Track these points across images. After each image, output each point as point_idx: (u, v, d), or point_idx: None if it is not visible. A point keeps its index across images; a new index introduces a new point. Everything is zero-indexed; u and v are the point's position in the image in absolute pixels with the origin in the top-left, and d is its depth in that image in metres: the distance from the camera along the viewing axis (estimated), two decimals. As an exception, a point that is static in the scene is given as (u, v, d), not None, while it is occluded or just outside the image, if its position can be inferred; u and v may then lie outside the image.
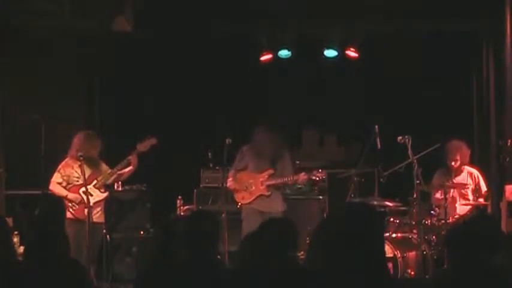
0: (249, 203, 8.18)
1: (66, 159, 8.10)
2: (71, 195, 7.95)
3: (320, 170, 8.36)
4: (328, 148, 11.10)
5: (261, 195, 8.22)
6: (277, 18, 9.49)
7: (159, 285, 4.29)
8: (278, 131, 8.32)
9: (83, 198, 7.87)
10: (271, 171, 8.25)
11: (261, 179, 8.23)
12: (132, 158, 8.10)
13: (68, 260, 4.46)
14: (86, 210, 7.75)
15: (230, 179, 8.24)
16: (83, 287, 4.39)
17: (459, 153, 8.74)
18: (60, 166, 8.09)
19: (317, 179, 8.53)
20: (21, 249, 7.35)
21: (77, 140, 8.06)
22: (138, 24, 9.04)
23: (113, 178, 8.20)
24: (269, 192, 8.23)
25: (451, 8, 9.06)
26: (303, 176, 8.24)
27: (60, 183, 8.01)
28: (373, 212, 3.19)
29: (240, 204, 8.25)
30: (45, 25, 8.96)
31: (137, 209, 9.15)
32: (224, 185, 8.33)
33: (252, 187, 8.21)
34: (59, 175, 8.04)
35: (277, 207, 8.25)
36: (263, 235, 4.07)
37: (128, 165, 8.14)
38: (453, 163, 8.75)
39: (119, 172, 8.15)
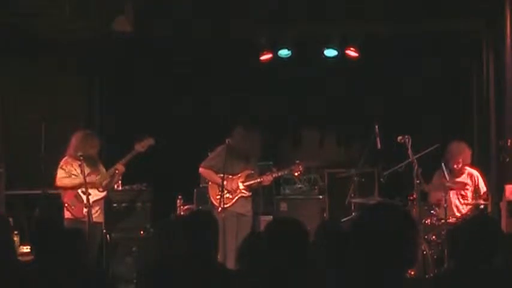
0: (230, 205, 8.09)
1: (66, 158, 8.10)
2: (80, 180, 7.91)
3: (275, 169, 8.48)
4: (328, 148, 11.09)
5: (241, 196, 8.21)
6: (277, 18, 9.49)
7: (160, 285, 4.29)
8: (257, 131, 8.30)
9: (80, 197, 7.87)
10: (249, 172, 8.24)
11: (240, 180, 8.21)
12: (119, 167, 8.11)
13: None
14: (85, 210, 7.76)
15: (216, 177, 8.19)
16: None
17: (461, 156, 8.74)
18: (61, 163, 8.07)
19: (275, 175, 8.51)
20: (22, 249, 7.41)
21: (74, 140, 8.06)
22: (138, 24, 9.04)
23: (106, 182, 8.18)
24: (250, 193, 8.22)
25: (451, 8, 9.06)
26: (269, 177, 8.29)
27: (65, 178, 8.01)
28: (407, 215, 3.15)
29: (220, 208, 7.97)
30: (45, 25, 8.96)
31: (137, 209, 9.14)
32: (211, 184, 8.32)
33: (232, 189, 8.15)
34: (63, 171, 8.02)
35: (250, 208, 8.26)
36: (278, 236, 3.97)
37: (114, 171, 8.13)
38: (455, 165, 8.74)
39: (110, 176, 8.16)
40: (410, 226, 3.01)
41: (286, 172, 8.56)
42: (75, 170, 8.00)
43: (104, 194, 8.16)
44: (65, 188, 7.99)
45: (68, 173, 7.99)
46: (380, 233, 2.96)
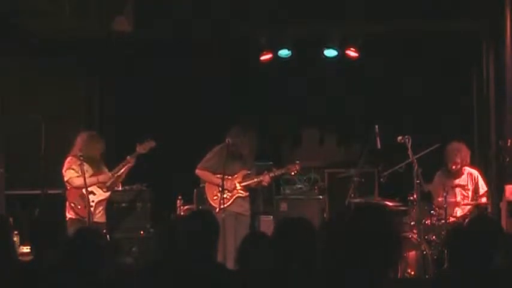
0: (228, 206, 8.06)
1: (69, 158, 8.10)
2: (100, 178, 8.03)
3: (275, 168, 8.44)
4: (328, 148, 11.10)
5: (238, 196, 8.20)
6: (277, 18, 9.49)
7: (160, 285, 4.29)
8: (254, 132, 8.30)
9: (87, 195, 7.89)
10: (246, 172, 8.22)
11: (236, 180, 8.20)
12: (130, 158, 8.13)
13: None
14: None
15: (215, 178, 8.18)
16: None
17: (459, 156, 8.72)
18: (68, 163, 8.06)
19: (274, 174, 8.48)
20: (22, 249, 7.40)
21: (80, 140, 8.09)
22: (138, 24, 9.04)
23: (111, 181, 8.20)
24: (247, 193, 8.21)
25: (451, 8, 9.06)
26: (266, 176, 8.25)
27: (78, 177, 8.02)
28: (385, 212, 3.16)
29: (217, 208, 7.95)
30: (45, 25, 8.96)
31: (137, 209, 9.15)
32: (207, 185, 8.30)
33: (229, 189, 8.14)
34: (73, 171, 8.03)
35: (248, 207, 8.25)
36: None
37: (126, 163, 8.15)
38: (453, 166, 8.72)
39: (117, 174, 8.17)
40: (388, 229, 3.02)
41: (283, 171, 8.54)
42: (77, 170, 8.02)
43: (108, 194, 8.22)
44: (77, 187, 8.00)
45: (78, 172, 8.00)
46: (356, 233, 2.97)
